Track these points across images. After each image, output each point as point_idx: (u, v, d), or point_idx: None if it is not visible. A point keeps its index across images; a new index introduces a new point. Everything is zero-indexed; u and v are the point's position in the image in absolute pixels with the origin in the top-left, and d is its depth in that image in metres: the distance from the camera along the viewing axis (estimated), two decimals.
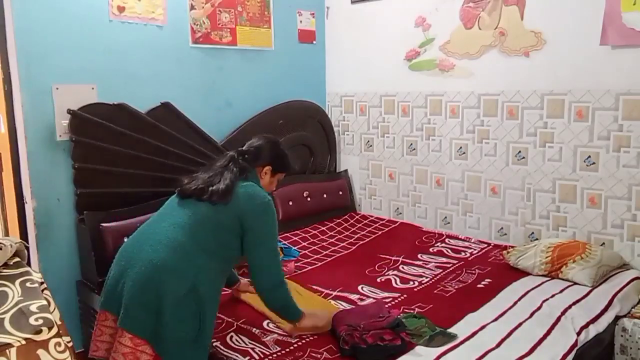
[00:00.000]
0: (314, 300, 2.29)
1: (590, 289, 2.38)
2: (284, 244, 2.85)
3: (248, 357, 1.87)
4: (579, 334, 2.02)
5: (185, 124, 2.99)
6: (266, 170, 2.09)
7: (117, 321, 1.77)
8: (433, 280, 2.56)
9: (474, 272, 2.64)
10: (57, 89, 2.56)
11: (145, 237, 1.88)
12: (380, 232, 3.39)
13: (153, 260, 1.77)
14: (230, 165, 2.00)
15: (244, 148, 2.11)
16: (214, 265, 1.86)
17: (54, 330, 1.22)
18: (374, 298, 2.35)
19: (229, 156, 2.06)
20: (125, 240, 2.16)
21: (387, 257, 2.90)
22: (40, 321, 1.23)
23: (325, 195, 3.65)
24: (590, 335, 2.09)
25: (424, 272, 2.67)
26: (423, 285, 2.50)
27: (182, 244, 1.81)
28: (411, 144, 3.52)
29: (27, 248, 2.21)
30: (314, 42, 3.83)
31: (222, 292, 2.05)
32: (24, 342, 1.16)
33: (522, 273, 2.58)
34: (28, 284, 1.42)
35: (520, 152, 3.01)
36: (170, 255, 1.78)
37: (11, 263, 1.55)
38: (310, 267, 2.80)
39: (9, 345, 1.14)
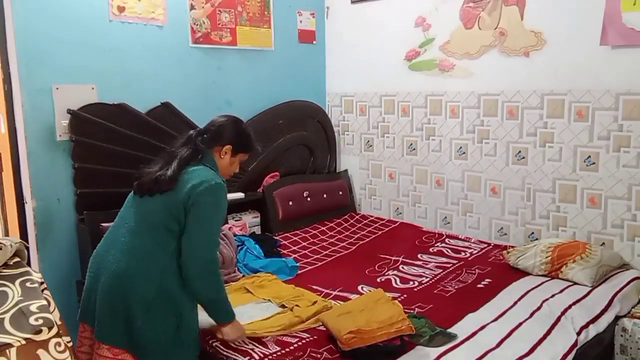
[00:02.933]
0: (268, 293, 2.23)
1: (590, 289, 2.38)
2: (284, 259, 2.79)
3: (248, 357, 1.87)
4: (579, 334, 2.02)
5: (185, 124, 2.98)
6: (226, 149, 1.97)
7: (93, 335, 1.78)
8: (433, 280, 2.56)
9: (474, 272, 2.64)
10: (57, 89, 2.56)
11: (109, 245, 1.85)
12: (380, 232, 3.39)
13: (115, 270, 1.76)
14: (183, 148, 1.92)
15: (204, 127, 2.02)
16: (178, 261, 1.79)
17: (54, 330, 1.22)
18: None
19: (186, 137, 1.97)
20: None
21: (387, 257, 2.90)
22: (40, 321, 1.22)
23: (325, 195, 3.65)
24: (590, 335, 2.09)
25: (424, 272, 2.67)
26: (423, 285, 2.50)
27: (141, 247, 1.77)
28: (411, 144, 3.52)
29: (27, 248, 2.20)
30: (314, 42, 3.83)
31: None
32: (24, 342, 1.16)
33: (522, 273, 2.58)
34: (28, 284, 1.42)
35: (520, 152, 3.01)
36: (131, 262, 1.75)
37: (11, 263, 1.55)
38: (310, 267, 2.80)
39: (9, 345, 1.14)
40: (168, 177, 1.81)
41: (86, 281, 1.86)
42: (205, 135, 1.97)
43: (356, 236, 3.33)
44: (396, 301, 2.12)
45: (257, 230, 3.35)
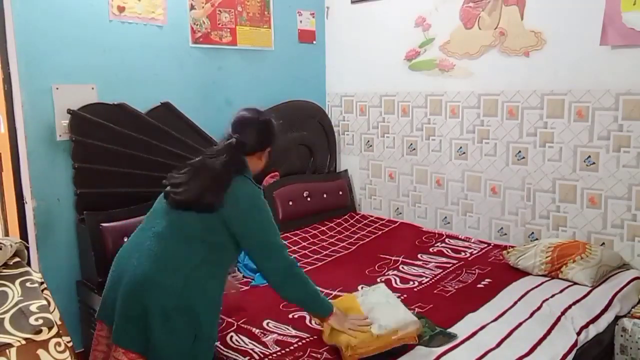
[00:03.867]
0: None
1: (590, 289, 2.38)
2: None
3: (248, 357, 1.87)
4: (579, 334, 2.02)
5: (185, 124, 2.99)
6: (267, 153, 1.95)
7: (111, 335, 1.75)
8: (433, 280, 2.56)
9: (474, 272, 2.64)
10: (57, 89, 2.56)
11: (133, 247, 1.80)
12: (380, 232, 3.39)
13: (137, 275, 1.71)
14: (226, 164, 1.80)
15: (240, 138, 1.87)
16: (205, 272, 1.74)
17: (54, 330, 1.22)
18: None
19: (226, 149, 1.84)
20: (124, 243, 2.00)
21: (387, 257, 2.90)
22: (40, 321, 1.22)
23: (325, 195, 3.65)
24: (590, 335, 2.09)
25: (424, 272, 2.67)
26: (423, 285, 2.50)
27: (165, 256, 1.72)
28: (411, 144, 3.52)
29: (27, 248, 2.21)
30: (314, 42, 3.83)
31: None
32: (24, 342, 1.16)
33: (522, 273, 2.58)
34: (28, 284, 1.42)
35: (520, 152, 3.01)
36: (154, 269, 1.70)
37: (11, 263, 1.55)
38: (310, 267, 2.80)
39: (9, 345, 1.14)
40: (209, 202, 1.73)
41: (108, 280, 1.83)
42: (247, 143, 1.87)
43: (356, 236, 3.33)
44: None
45: None
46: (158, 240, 1.75)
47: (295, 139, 3.64)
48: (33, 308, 1.28)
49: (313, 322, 2.10)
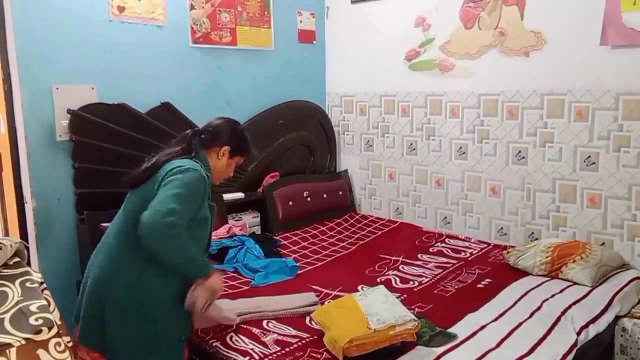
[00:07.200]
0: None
1: (590, 289, 2.38)
2: (284, 259, 2.77)
3: (248, 357, 1.87)
4: (579, 334, 2.02)
5: (185, 124, 2.98)
6: (224, 150, 1.95)
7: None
8: (433, 280, 2.56)
9: (474, 272, 2.64)
10: (57, 89, 2.56)
11: (98, 249, 1.83)
12: (380, 232, 3.39)
13: (96, 273, 1.74)
14: (175, 147, 1.88)
15: (201, 127, 2.00)
16: (158, 263, 1.69)
17: (54, 330, 1.22)
18: None
19: (181, 136, 1.95)
20: None
21: (387, 257, 2.90)
22: (40, 321, 1.22)
23: (325, 195, 3.65)
24: (590, 335, 2.09)
25: (424, 272, 2.67)
26: (423, 285, 2.50)
27: (118, 250, 1.73)
28: (411, 144, 3.52)
29: (27, 248, 2.20)
30: (314, 42, 3.83)
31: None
32: (24, 342, 1.16)
33: (522, 273, 2.58)
34: (28, 284, 1.42)
35: (520, 152, 3.01)
36: (107, 264, 1.73)
37: (11, 263, 1.55)
38: (310, 267, 2.80)
39: (9, 345, 1.14)
40: (142, 170, 1.78)
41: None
42: (202, 136, 1.94)
43: (356, 236, 3.33)
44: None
45: (257, 230, 3.35)
46: (113, 236, 1.78)
47: (295, 139, 3.64)
48: (33, 308, 1.28)
49: (313, 322, 2.10)
